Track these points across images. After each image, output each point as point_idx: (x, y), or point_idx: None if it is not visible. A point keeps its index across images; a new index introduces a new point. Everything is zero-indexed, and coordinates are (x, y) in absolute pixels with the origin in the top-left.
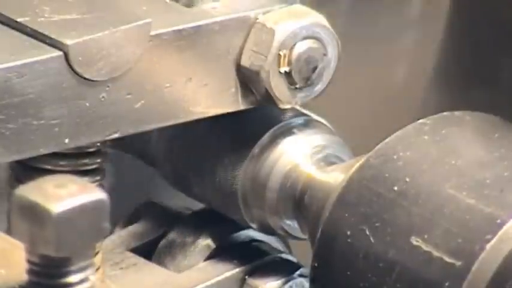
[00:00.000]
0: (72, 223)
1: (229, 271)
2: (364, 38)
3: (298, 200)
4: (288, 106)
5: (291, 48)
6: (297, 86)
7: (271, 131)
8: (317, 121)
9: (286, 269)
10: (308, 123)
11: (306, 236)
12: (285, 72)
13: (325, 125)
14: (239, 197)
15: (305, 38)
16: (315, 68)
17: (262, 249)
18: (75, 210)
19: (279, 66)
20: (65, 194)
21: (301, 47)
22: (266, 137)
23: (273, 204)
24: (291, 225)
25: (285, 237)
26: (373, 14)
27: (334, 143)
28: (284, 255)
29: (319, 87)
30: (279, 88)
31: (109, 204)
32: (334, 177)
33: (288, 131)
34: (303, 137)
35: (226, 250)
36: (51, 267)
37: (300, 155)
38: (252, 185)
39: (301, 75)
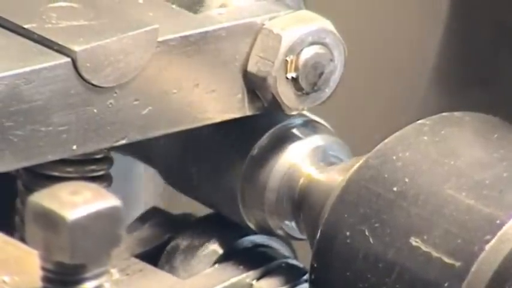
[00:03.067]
0: (87, 230)
1: (236, 277)
2: (364, 38)
3: (298, 200)
4: (294, 112)
5: (298, 54)
6: (304, 91)
7: (271, 131)
8: (316, 122)
9: (292, 274)
10: (307, 124)
11: (305, 237)
12: (292, 78)
13: (324, 125)
14: (238, 198)
15: (312, 43)
16: (321, 74)
17: (269, 254)
18: (90, 217)
19: (285, 72)
20: (80, 201)
21: (308, 52)
22: (265, 138)
23: (272, 204)
24: (290, 225)
25: (285, 237)
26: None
27: (334, 144)
28: (290, 261)
29: (326, 93)
30: (285, 94)
31: (124, 210)
32: (334, 178)
33: (287, 132)
34: (302, 138)
35: (233, 256)
36: (65, 274)
37: (299, 156)
38: (251, 186)
39: (308, 80)
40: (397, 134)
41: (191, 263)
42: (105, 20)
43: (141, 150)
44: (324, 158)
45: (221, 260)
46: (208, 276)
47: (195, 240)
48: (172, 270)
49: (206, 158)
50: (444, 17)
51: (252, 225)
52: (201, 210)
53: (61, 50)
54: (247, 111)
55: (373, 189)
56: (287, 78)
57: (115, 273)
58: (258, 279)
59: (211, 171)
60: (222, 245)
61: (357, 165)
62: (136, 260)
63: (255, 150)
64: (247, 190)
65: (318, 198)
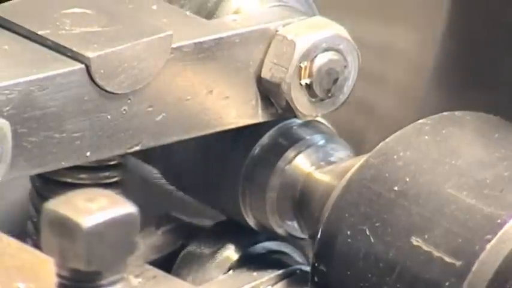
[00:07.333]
0: (102, 237)
1: (250, 283)
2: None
3: (298, 200)
4: (308, 118)
5: (312, 60)
6: (318, 98)
7: (272, 130)
8: (317, 121)
9: (306, 281)
10: (308, 123)
11: (306, 236)
12: (306, 84)
13: (325, 124)
14: (239, 197)
15: (326, 49)
16: (335, 80)
17: (282, 261)
18: (106, 224)
19: (299, 78)
20: (96, 208)
21: (322, 59)
22: (266, 137)
23: (273, 204)
24: (291, 225)
25: (285, 237)
26: (373, 14)
27: (334, 143)
28: (303, 267)
29: (340, 99)
30: (299, 100)
31: (139, 217)
32: (334, 177)
33: (288, 131)
34: (303, 137)
35: (247, 262)
36: (81, 281)
37: (300, 155)
38: (252, 185)
39: (322, 87)
40: (397, 133)
41: (205, 269)
42: (119, 26)
43: (142, 150)
44: (325, 158)
45: (235, 266)
46: (222, 283)
47: (208, 246)
48: (185, 276)
49: (206, 157)
50: (444, 17)
51: (253, 225)
52: (213, 216)
53: (75, 57)
54: (260, 118)
55: (374, 189)
56: (301, 84)
57: (129, 280)
58: (272, 285)
59: (211, 171)
60: (235, 251)
61: (358, 164)
62: (150, 267)
63: (255, 150)
64: (248, 189)
65: (318, 197)
